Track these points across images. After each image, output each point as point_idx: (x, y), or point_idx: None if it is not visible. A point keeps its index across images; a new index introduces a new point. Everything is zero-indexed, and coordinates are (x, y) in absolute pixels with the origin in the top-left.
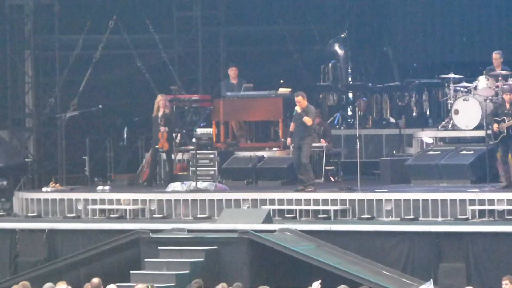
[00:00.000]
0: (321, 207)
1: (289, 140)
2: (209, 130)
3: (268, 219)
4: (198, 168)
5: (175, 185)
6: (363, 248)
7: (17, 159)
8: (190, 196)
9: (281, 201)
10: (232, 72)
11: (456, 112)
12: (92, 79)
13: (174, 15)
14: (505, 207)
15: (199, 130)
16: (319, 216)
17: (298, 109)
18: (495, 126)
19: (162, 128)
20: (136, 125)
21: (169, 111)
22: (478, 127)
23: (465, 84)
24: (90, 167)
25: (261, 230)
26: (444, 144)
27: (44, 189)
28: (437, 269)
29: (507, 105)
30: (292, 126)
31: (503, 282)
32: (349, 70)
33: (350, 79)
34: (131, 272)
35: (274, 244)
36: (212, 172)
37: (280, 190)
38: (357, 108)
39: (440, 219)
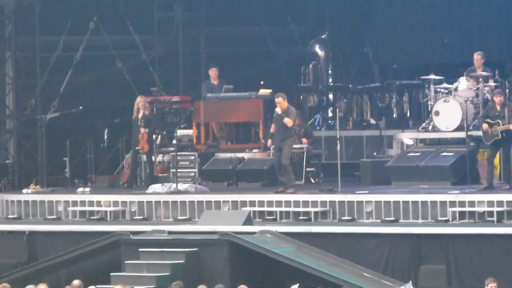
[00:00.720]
0: (301, 209)
1: (269, 141)
2: (189, 132)
3: (248, 221)
4: (178, 170)
5: (156, 187)
6: (344, 250)
7: None
8: (171, 198)
9: (261, 203)
10: (212, 72)
11: (437, 113)
12: (72, 80)
13: (154, 16)
14: (486, 208)
15: (180, 132)
16: (300, 218)
17: (278, 110)
18: (485, 126)
19: (142, 130)
20: (117, 127)
21: (149, 113)
22: (459, 129)
23: (445, 85)
24: (71, 168)
25: (242, 232)
26: (424, 146)
27: (24, 190)
28: (417, 271)
29: (498, 107)
30: (272, 128)
31: (488, 285)
32: (330, 71)
33: (330, 80)
34: (111, 274)
35: (255, 246)
36: (193, 174)
37: (260, 192)
38: (337, 110)
39: (420, 220)
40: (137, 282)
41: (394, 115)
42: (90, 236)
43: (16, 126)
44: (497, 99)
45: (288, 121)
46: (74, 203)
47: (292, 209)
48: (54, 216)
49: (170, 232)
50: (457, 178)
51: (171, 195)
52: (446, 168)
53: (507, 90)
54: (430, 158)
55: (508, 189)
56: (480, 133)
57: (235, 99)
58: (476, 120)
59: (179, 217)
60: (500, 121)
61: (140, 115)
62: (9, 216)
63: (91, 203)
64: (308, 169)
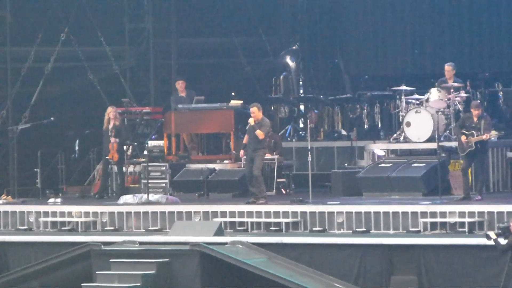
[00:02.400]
0: (272, 220)
1: (242, 152)
2: (160, 143)
3: (219, 232)
4: (149, 181)
5: (127, 198)
6: (315, 260)
7: None
8: (142, 209)
9: (232, 214)
10: (179, 85)
11: (408, 124)
12: (43, 91)
13: (125, 27)
14: (457, 219)
15: (151, 143)
16: (271, 228)
17: (251, 121)
18: (463, 138)
19: (112, 139)
20: (88, 138)
21: (119, 123)
22: (430, 140)
23: (417, 96)
24: (42, 179)
25: (213, 243)
26: (395, 157)
27: None
28: (388, 282)
29: (475, 119)
30: (245, 138)
31: None
32: (301, 82)
33: (301, 91)
34: (82, 284)
35: (226, 257)
36: (164, 185)
37: (231, 203)
38: (308, 120)
39: (391, 231)
40: None
41: (366, 126)
42: (62, 246)
43: None
44: (475, 112)
45: (259, 134)
46: (46, 214)
47: (263, 219)
48: (25, 227)
49: (141, 243)
50: (428, 189)
51: (142, 205)
52: (418, 179)
53: (479, 101)
54: (402, 169)
55: (480, 200)
56: (451, 143)
57: (206, 110)
58: (449, 130)
59: (150, 228)
60: (474, 132)
61: (111, 125)
62: None
63: (62, 214)
64: (279, 180)
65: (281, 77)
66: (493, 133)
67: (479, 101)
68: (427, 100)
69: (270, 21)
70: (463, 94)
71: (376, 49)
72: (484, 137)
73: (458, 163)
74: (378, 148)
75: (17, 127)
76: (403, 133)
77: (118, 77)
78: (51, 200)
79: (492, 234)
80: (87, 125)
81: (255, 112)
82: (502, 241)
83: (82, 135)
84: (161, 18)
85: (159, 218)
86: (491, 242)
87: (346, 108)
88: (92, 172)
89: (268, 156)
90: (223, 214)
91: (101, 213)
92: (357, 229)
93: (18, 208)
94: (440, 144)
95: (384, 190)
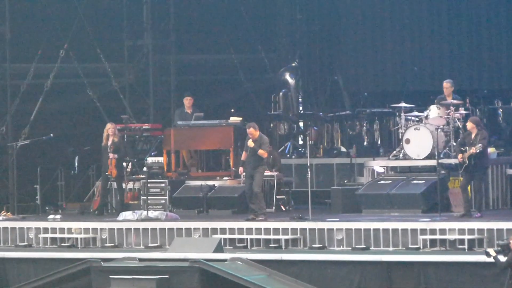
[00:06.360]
0: (272, 236)
1: (241, 169)
2: (160, 159)
3: (219, 248)
4: (149, 197)
5: (126, 214)
6: (314, 277)
7: None
8: (141, 225)
9: (232, 230)
10: (187, 101)
11: (407, 141)
12: (43, 108)
13: (124, 44)
14: (457, 236)
15: (150, 159)
16: (270, 245)
17: (251, 143)
18: (459, 156)
19: (111, 155)
20: (87, 154)
21: (118, 139)
22: (429, 156)
23: (416, 113)
24: (42, 195)
25: (212, 259)
26: (395, 174)
27: None
28: None
29: (472, 136)
30: (244, 155)
31: None
32: (300, 99)
33: (301, 108)
34: None
35: (225, 273)
36: (163, 201)
37: (231, 219)
38: (308, 137)
39: (391, 248)
40: None
41: (365, 143)
42: (61, 263)
43: None
44: (468, 126)
45: (263, 153)
46: (45, 230)
47: (262, 236)
48: (25, 243)
49: (141, 259)
50: (428, 206)
51: (142, 222)
52: (417, 196)
53: (475, 117)
54: (401, 186)
55: (479, 217)
56: (451, 160)
57: (205, 127)
58: (448, 147)
59: (150, 244)
60: (468, 148)
61: (110, 142)
62: None
63: (62, 230)
64: (278, 196)
65: (281, 94)
66: (477, 146)
67: (475, 117)
68: (426, 117)
69: (270, 38)
70: (462, 111)
71: (375, 66)
72: (472, 151)
73: (458, 180)
74: (378, 165)
75: (17, 143)
76: (403, 150)
77: (118, 94)
78: (51, 216)
79: (491, 251)
80: (87, 142)
81: (252, 132)
82: (502, 258)
83: (81, 152)
84: (160, 35)
85: (158, 235)
86: (491, 259)
87: (345, 125)
88: (91, 188)
89: (267, 173)
90: (223, 230)
91: (101, 229)
92: (357, 246)
93: (17, 224)
94: (440, 161)
95: (383, 207)
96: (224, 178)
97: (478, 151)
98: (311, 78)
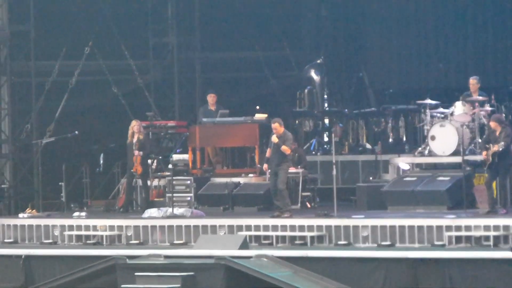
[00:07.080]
0: (297, 233)
1: (265, 166)
2: (185, 156)
3: (244, 245)
4: (174, 194)
5: (152, 211)
6: (340, 274)
7: None
8: (167, 222)
9: (257, 227)
10: (210, 98)
11: (433, 138)
12: (68, 105)
13: (149, 41)
14: (482, 233)
15: (175, 156)
16: (296, 242)
17: (275, 139)
18: (484, 153)
19: (136, 152)
20: (112, 151)
21: (144, 137)
22: (455, 153)
23: (441, 110)
24: (67, 193)
25: (238, 256)
26: (420, 170)
27: (20, 215)
28: None
29: (497, 133)
30: (268, 152)
31: None
32: (325, 96)
33: (326, 105)
34: None
35: (251, 270)
36: (189, 198)
37: (256, 216)
38: (333, 134)
39: (417, 245)
40: None
41: (390, 140)
42: (87, 260)
43: (12, 151)
44: (491, 124)
45: (286, 149)
46: (70, 228)
47: (288, 233)
48: (50, 240)
49: (166, 256)
50: (453, 203)
51: (167, 219)
52: (442, 192)
53: (503, 115)
54: (426, 182)
55: (505, 214)
56: (476, 157)
57: (230, 124)
58: (473, 144)
59: (175, 242)
60: (491, 145)
61: (135, 139)
62: (5, 240)
63: (87, 228)
64: (304, 193)
65: (306, 91)
66: (500, 144)
67: (500, 114)
68: (451, 114)
69: (295, 35)
70: (487, 108)
71: (401, 63)
72: (494, 148)
73: (483, 177)
74: (403, 162)
75: (42, 141)
76: (428, 147)
77: (143, 91)
78: (76, 213)
79: None
80: (112, 139)
81: (277, 127)
82: None
83: (106, 149)
84: (185, 32)
85: (184, 232)
86: None
87: (370, 122)
88: (116, 185)
89: (292, 170)
90: (248, 227)
91: (126, 226)
92: (382, 243)
93: (43, 221)
94: (465, 158)
95: (409, 203)
96: (249, 175)
97: (501, 149)
98: (336, 75)
